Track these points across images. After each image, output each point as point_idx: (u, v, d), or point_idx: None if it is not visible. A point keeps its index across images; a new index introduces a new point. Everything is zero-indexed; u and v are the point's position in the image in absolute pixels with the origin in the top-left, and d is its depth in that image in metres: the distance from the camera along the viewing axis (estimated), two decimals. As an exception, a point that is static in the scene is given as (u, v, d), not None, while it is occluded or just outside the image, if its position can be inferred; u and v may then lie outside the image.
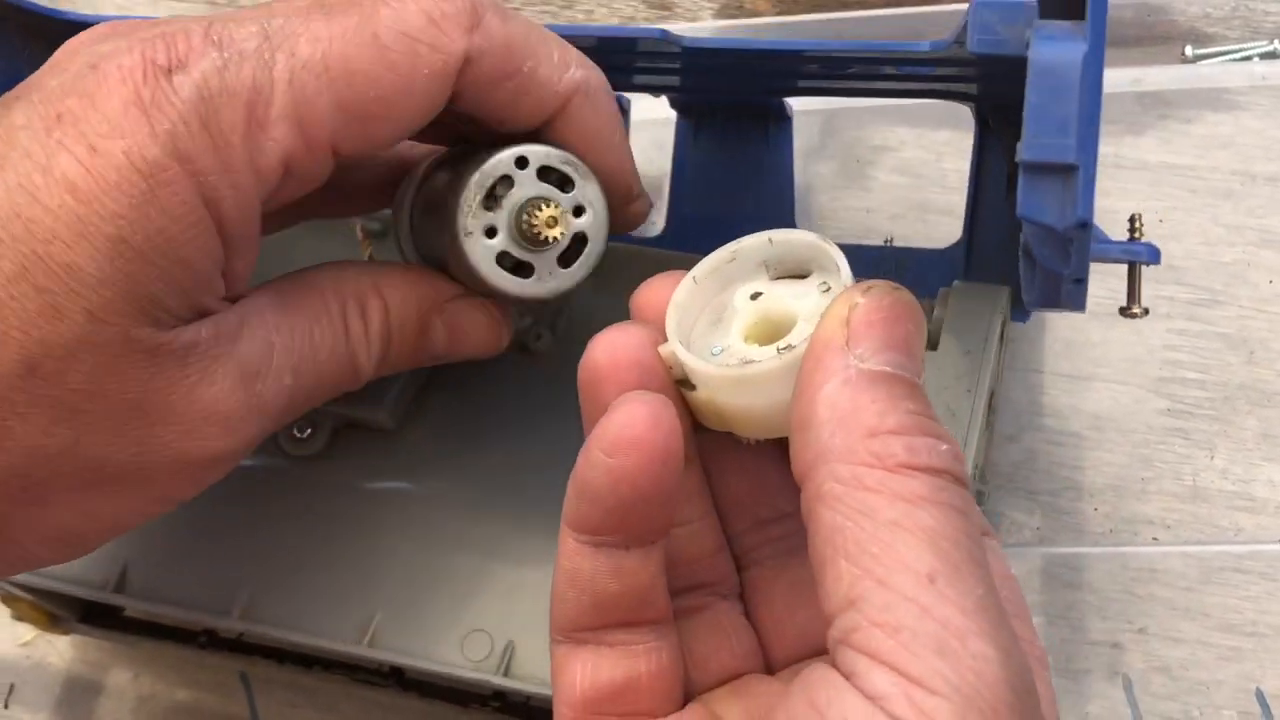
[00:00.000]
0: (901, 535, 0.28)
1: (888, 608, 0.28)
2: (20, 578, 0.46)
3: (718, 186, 0.35)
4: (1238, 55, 0.59)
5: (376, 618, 0.44)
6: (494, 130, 0.39)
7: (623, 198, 0.41)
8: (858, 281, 0.32)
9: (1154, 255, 0.38)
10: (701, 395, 0.34)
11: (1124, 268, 0.40)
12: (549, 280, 0.39)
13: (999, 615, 0.29)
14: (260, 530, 0.46)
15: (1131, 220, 0.40)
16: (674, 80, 0.47)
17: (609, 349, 0.34)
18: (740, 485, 0.36)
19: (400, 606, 0.44)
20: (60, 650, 0.55)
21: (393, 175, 0.44)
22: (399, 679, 0.48)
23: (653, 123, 0.55)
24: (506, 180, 0.39)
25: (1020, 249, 0.38)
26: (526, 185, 0.39)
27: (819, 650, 0.33)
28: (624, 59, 0.45)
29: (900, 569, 0.28)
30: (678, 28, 0.55)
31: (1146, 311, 0.39)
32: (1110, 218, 0.53)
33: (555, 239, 0.39)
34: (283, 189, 0.36)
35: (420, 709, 0.49)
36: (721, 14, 0.63)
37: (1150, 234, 0.51)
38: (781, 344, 0.33)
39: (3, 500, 0.35)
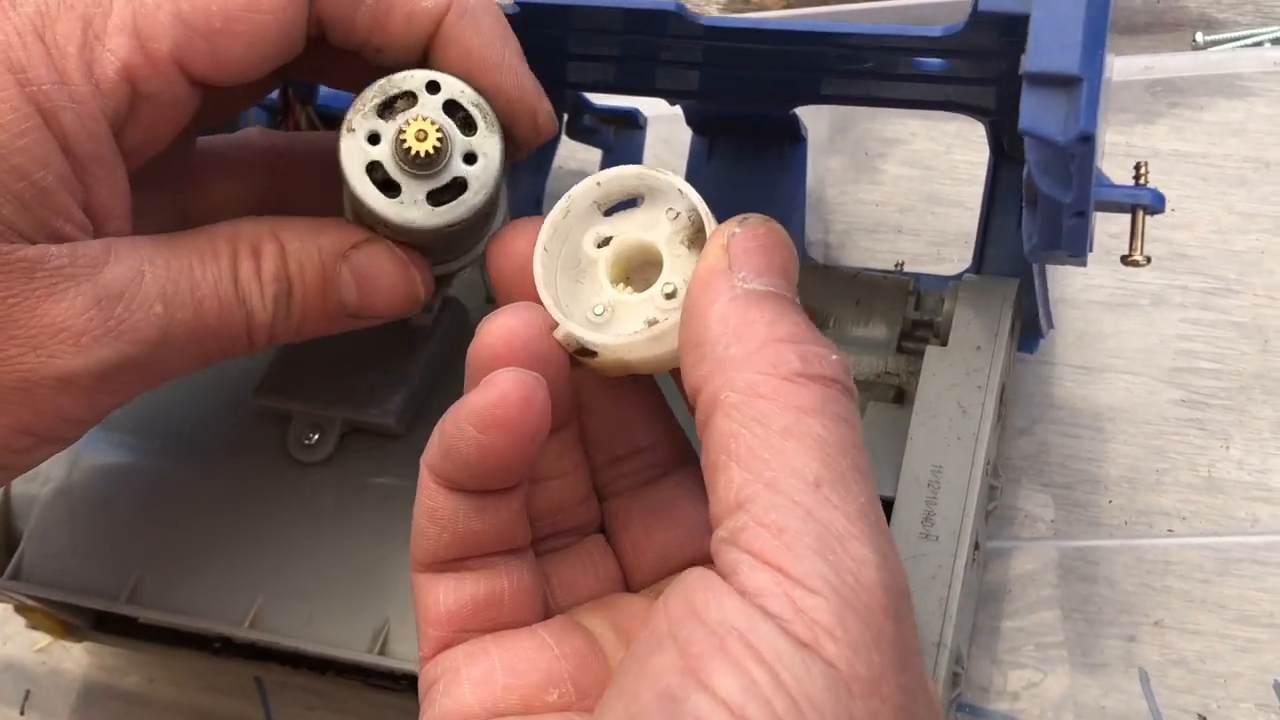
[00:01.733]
0: (791, 442, 0.30)
1: (774, 508, 0.29)
2: (33, 590, 0.46)
3: (730, 206, 0.35)
4: (1249, 41, 0.58)
5: (388, 624, 0.44)
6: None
7: (525, 118, 0.39)
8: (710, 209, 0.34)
9: (1158, 200, 0.38)
10: (607, 359, 0.35)
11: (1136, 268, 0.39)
12: (410, 209, 0.37)
13: (879, 523, 0.30)
14: (270, 538, 0.46)
15: (1137, 167, 0.39)
16: (693, 83, 0.46)
17: (504, 335, 0.35)
18: (599, 426, 0.37)
19: (410, 613, 0.44)
20: (75, 657, 0.55)
21: None
22: (412, 683, 0.48)
23: (661, 119, 0.55)
24: (410, 97, 0.38)
25: (1023, 192, 0.38)
26: (428, 109, 0.37)
27: (676, 570, 0.36)
28: (644, 47, 0.44)
29: (788, 473, 0.29)
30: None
31: (1149, 259, 0.39)
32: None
33: (426, 155, 0.37)
34: (138, 110, 0.36)
35: (435, 712, 0.49)
36: (728, 9, 0.63)
37: (1163, 222, 0.51)
38: (666, 287, 0.35)
39: None
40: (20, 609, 0.51)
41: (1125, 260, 0.39)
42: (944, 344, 0.43)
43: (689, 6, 0.45)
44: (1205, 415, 0.50)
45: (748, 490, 0.29)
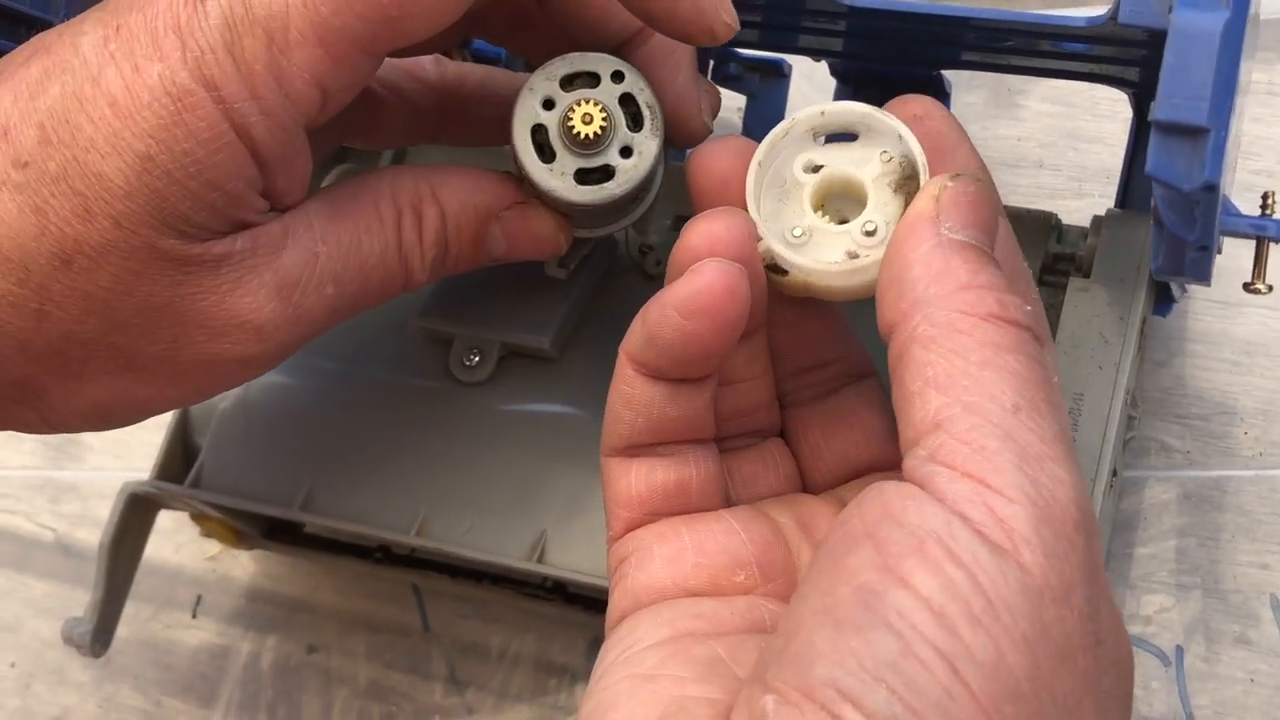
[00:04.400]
0: (989, 372, 0.31)
1: (974, 427, 0.30)
2: (212, 497, 0.49)
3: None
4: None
5: (543, 535, 0.46)
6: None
7: (685, 128, 0.41)
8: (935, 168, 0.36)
9: None
10: (796, 280, 0.37)
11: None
12: (556, 179, 0.39)
13: (1071, 450, 0.31)
14: (433, 453, 0.48)
15: (1265, 197, 0.40)
16: (836, 44, 0.47)
17: (708, 239, 0.36)
18: (786, 339, 0.39)
19: (564, 525, 0.46)
20: (244, 564, 0.59)
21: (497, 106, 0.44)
22: (562, 593, 0.51)
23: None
24: (593, 77, 0.39)
25: (1151, 214, 0.39)
26: (604, 95, 0.39)
27: (855, 474, 0.39)
28: (788, 18, 0.46)
29: (987, 398, 0.31)
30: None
31: (1270, 289, 0.40)
32: (1263, 143, 0.53)
33: (586, 137, 0.39)
34: (328, 102, 0.37)
35: (582, 621, 0.52)
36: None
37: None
38: (868, 225, 0.36)
39: (43, 372, 0.37)
40: (196, 517, 0.54)
41: (1247, 288, 0.40)
42: (1086, 276, 0.45)
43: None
44: (1344, 350, 0.50)
45: (947, 412, 0.31)
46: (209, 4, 0.35)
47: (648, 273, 0.49)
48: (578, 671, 0.53)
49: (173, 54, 0.35)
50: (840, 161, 0.37)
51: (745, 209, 0.37)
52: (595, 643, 0.53)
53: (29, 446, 0.64)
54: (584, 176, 0.39)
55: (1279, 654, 0.47)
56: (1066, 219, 0.48)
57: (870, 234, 0.36)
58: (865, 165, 0.37)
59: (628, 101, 0.40)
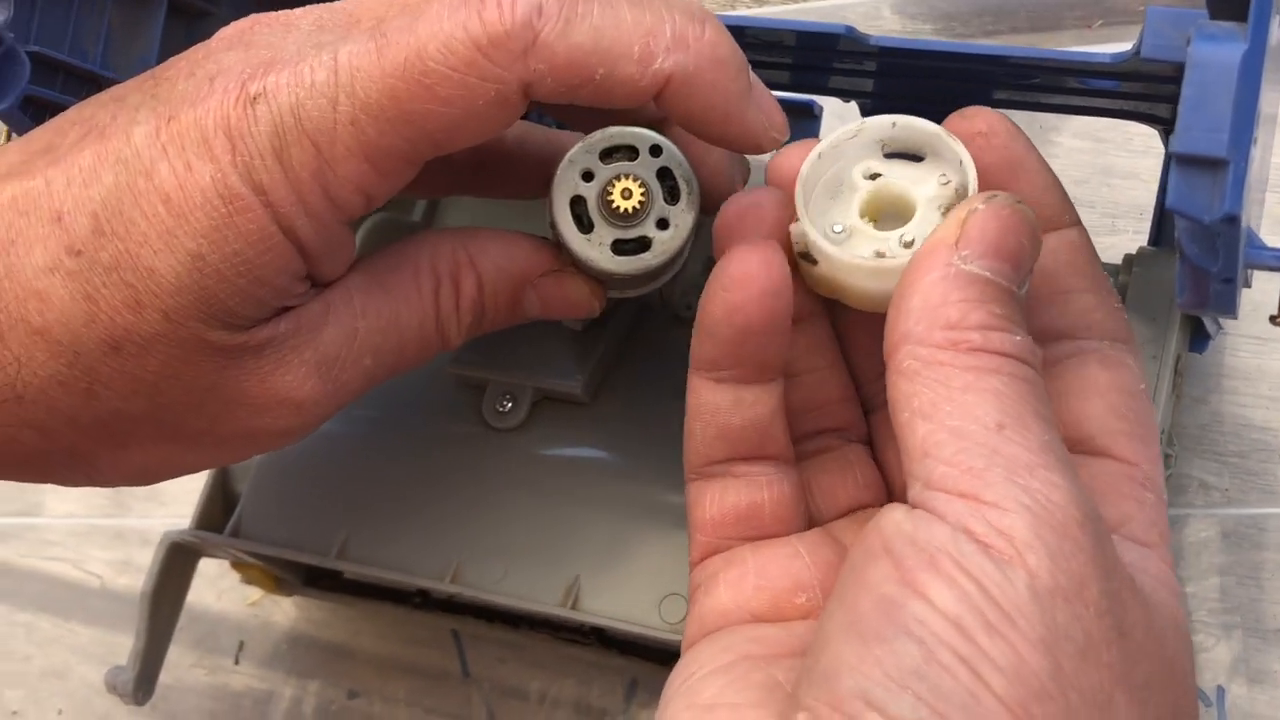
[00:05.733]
0: (972, 395, 0.32)
1: (960, 450, 0.31)
2: (251, 546, 0.50)
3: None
4: None
5: (579, 581, 0.46)
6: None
7: (716, 195, 0.41)
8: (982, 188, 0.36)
9: None
10: (823, 271, 0.37)
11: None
12: (594, 249, 0.40)
13: (1064, 456, 0.32)
14: (467, 498, 0.48)
15: None
16: (867, 84, 0.47)
17: (740, 212, 0.38)
18: (864, 338, 0.39)
19: (598, 570, 0.46)
20: (285, 610, 0.59)
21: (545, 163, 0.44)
22: (600, 637, 0.51)
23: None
24: (631, 150, 0.40)
25: (1176, 244, 0.39)
26: (642, 169, 0.40)
27: None
28: (819, 58, 0.46)
29: (970, 420, 0.31)
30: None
31: None
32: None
33: (625, 211, 0.39)
34: (375, 202, 0.37)
35: (620, 665, 0.52)
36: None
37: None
38: (906, 236, 0.36)
39: (90, 442, 0.38)
40: (236, 564, 0.55)
41: (1274, 320, 0.39)
42: (1118, 313, 0.44)
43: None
44: (1384, 385, 0.50)
45: (933, 438, 0.31)
46: (259, 109, 0.35)
47: (679, 316, 0.49)
48: (616, 715, 0.53)
49: (223, 156, 0.35)
50: (899, 176, 0.38)
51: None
52: (634, 686, 0.53)
53: (75, 494, 0.64)
54: (620, 247, 0.40)
55: (1324, 694, 0.46)
56: (1100, 256, 0.48)
57: (907, 246, 0.36)
58: (922, 185, 0.37)
59: (665, 175, 0.40)
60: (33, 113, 0.45)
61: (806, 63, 0.47)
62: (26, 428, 0.37)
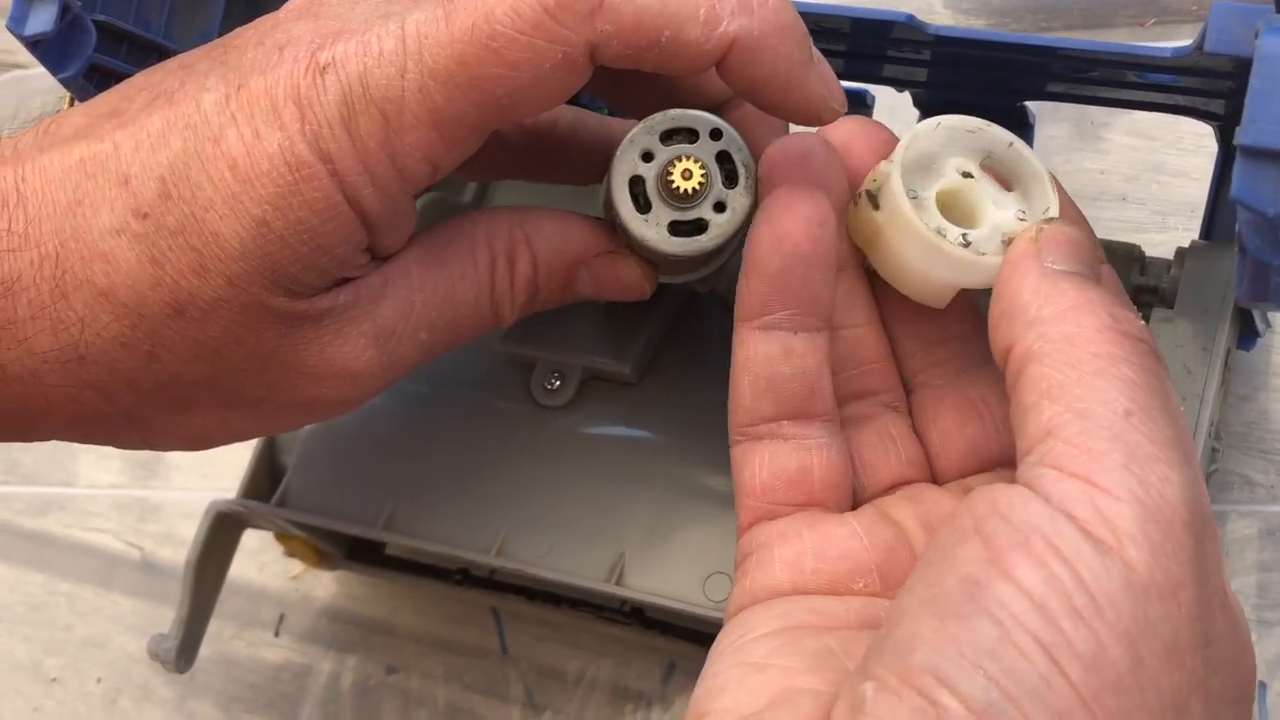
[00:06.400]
0: (1102, 381, 0.32)
1: (1084, 431, 0.31)
2: (297, 516, 0.50)
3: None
4: None
5: (623, 558, 0.46)
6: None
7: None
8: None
9: None
10: (878, 219, 0.38)
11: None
12: (650, 229, 0.40)
13: (1188, 453, 0.31)
14: (514, 475, 0.49)
15: None
16: (921, 74, 0.47)
17: (790, 156, 0.38)
18: (906, 307, 0.39)
19: (643, 549, 0.46)
20: (326, 585, 0.59)
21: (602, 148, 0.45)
22: (640, 618, 0.51)
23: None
24: (691, 133, 0.40)
25: (1235, 240, 0.39)
26: (702, 151, 0.40)
27: (986, 466, 0.39)
28: (874, 46, 0.46)
29: (1100, 404, 0.31)
30: None
31: None
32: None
33: (685, 192, 0.40)
34: (440, 172, 0.37)
35: (659, 646, 0.52)
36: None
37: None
38: (971, 235, 0.37)
39: (149, 405, 0.39)
40: (280, 537, 0.55)
41: None
42: (1170, 307, 0.44)
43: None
44: None
45: (1058, 419, 0.31)
46: (328, 78, 0.36)
47: (726, 304, 0.49)
48: (653, 697, 0.54)
49: (292, 124, 0.36)
50: (987, 189, 0.38)
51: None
52: (671, 669, 0.53)
53: (116, 466, 0.65)
54: (677, 228, 0.40)
55: (1365, 693, 0.46)
56: (1150, 253, 0.48)
57: (965, 244, 0.37)
58: (1001, 208, 0.38)
59: (724, 159, 0.40)
60: (97, 81, 0.45)
61: (861, 50, 0.47)
62: (88, 388, 0.38)
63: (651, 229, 0.40)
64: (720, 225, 0.40)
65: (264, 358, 0.38)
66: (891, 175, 0.37)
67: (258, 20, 0.39)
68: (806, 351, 0.38)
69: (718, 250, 0.41)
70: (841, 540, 0.37)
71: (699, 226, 0.40)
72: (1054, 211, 0.37)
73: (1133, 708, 0.29)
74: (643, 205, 0.40)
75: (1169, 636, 0.29)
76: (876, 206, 0.38)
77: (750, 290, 0.38)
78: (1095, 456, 0.30)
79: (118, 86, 0.40)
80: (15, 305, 0.37)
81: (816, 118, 0.39)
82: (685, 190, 0.40)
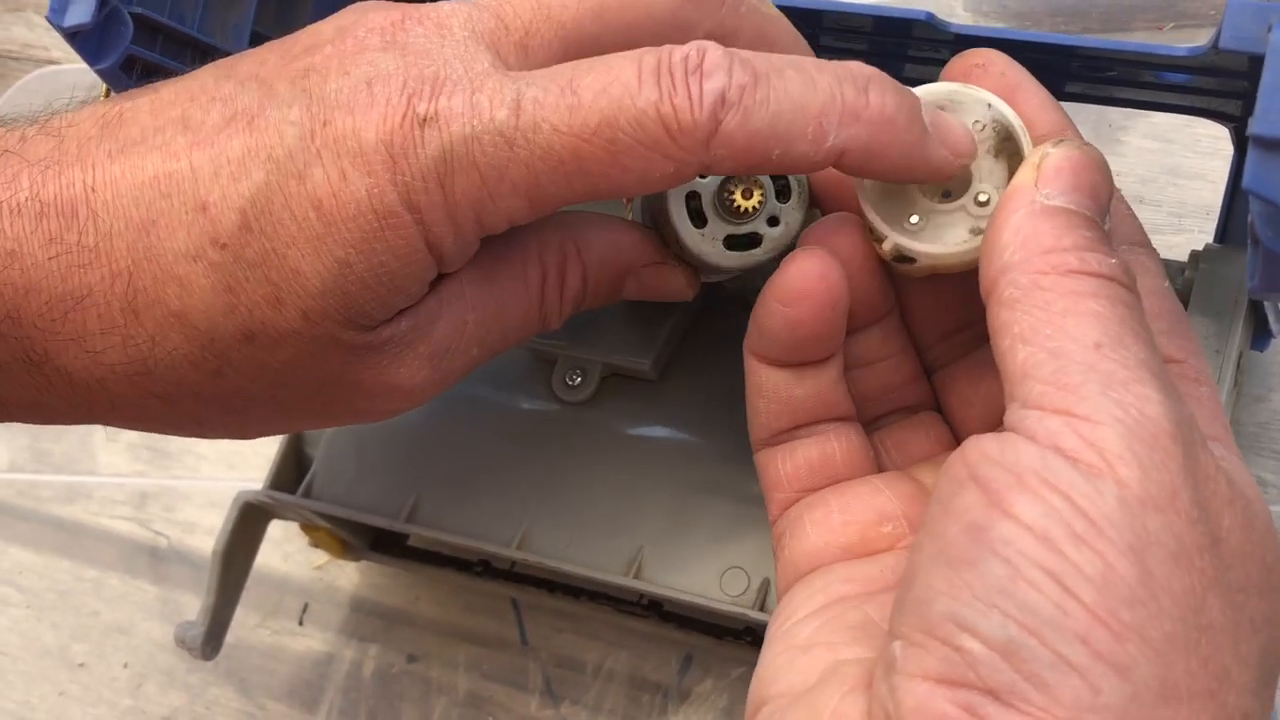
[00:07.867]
0: (1071, 318, 0.32)
1: (1058, 369, 0.32)
2: (322, 507, 0.51)
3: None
4: None
5: (641, 552, 0.47)
6: None
7: (825, 180, 0.42)
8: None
9: None
10: (923, 265, 0.38)
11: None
12: (706, 243, 0.41)
13: (1160, 371, 0.32)
14: (535, 469, 0.49)
15: None
16: (939, 77, 0.48)
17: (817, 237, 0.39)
18: (925, 306, 0.40)
19: (661, 543, 0.47)
20: (349, 575, 0.60)
21: None
22: (657, 611, 0.52)
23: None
24: None
25: (1248, 229, 0.39)
26: None
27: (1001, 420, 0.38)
28: (893, 44, 0.47)
29: (1069, 340, 0.32)
30: None
31: None
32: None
33: (746, 210, 0.41)
34: (512, 225, 0.38)
35: (677, 639, 0.53)
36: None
37: None
38: (981, 196, 0.37)
39: (209, 411, 0.39)
40: (305, 527, 0.56)
41: None
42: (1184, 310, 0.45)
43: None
44: None
45: (1032, 360, 0.32)
46: (429, 133, 0.35)
47: (747, 301, 0.50)
48: (670, 689, 0.54)
49: (381, 173, 0.35)
50: (980, 157, 0.38)
51: (860, 212, 0.38)
52: (688, 661, 0.54)
53: (145, 456, 0.66)
54: (732, 242, 0.41)
55: (1374, 692, 0.47)
56: (1166, 255, 0.48)
57: (983, 204, 0.37)
58: (1000, 161, 0.38)
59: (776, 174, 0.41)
60: (133, 72, 0.46)
61: (881, 50, 0.48)
62: (153, 397, 0.38)
63: (708, 244, 0.41)
64: (774, 239, 0.41)
65: (324, 380, 0.39)
66: (895, 241, 0.37)
67: (335, 31, 0.38)
68: (819, 375, 0.39)
69: (772, 262, 0.41)
70: (864, 495, 0.38)
71: (753, 240, 0.41)
72: (987, 97, 0.37)
73: (1148, 617, 0.29)
74: (699, 220, 0.41)
75: (1172, 543, 0.30)
76: (913, 261, 0.38)
77: (759, 342, 0.39)
78: (1072, 389, 0.31)
79: (183, 84, 0.39)
80: (85, 319, 0.37)
81: (944, 178, 0.38)
82: (745, 209, 0.41)
